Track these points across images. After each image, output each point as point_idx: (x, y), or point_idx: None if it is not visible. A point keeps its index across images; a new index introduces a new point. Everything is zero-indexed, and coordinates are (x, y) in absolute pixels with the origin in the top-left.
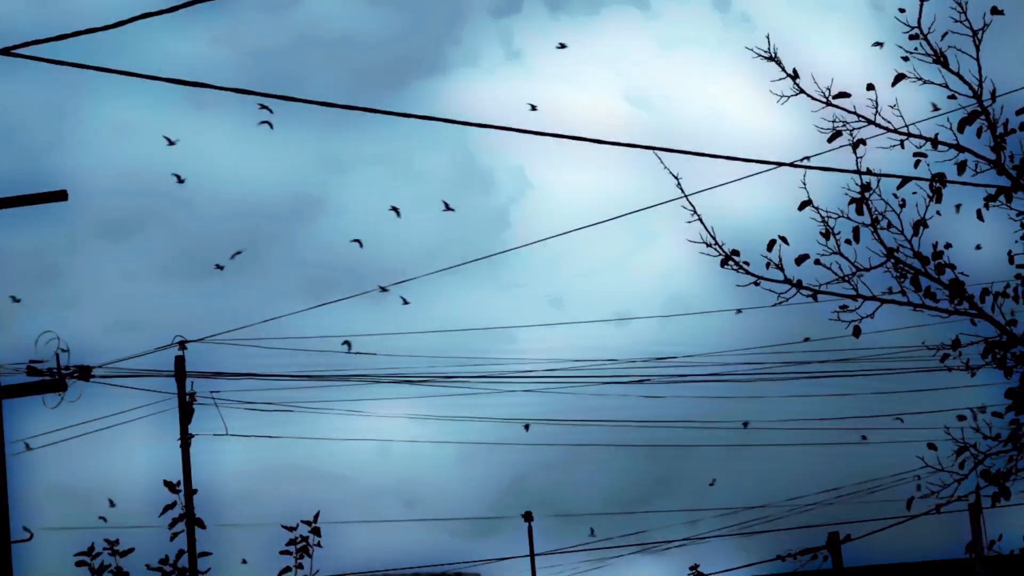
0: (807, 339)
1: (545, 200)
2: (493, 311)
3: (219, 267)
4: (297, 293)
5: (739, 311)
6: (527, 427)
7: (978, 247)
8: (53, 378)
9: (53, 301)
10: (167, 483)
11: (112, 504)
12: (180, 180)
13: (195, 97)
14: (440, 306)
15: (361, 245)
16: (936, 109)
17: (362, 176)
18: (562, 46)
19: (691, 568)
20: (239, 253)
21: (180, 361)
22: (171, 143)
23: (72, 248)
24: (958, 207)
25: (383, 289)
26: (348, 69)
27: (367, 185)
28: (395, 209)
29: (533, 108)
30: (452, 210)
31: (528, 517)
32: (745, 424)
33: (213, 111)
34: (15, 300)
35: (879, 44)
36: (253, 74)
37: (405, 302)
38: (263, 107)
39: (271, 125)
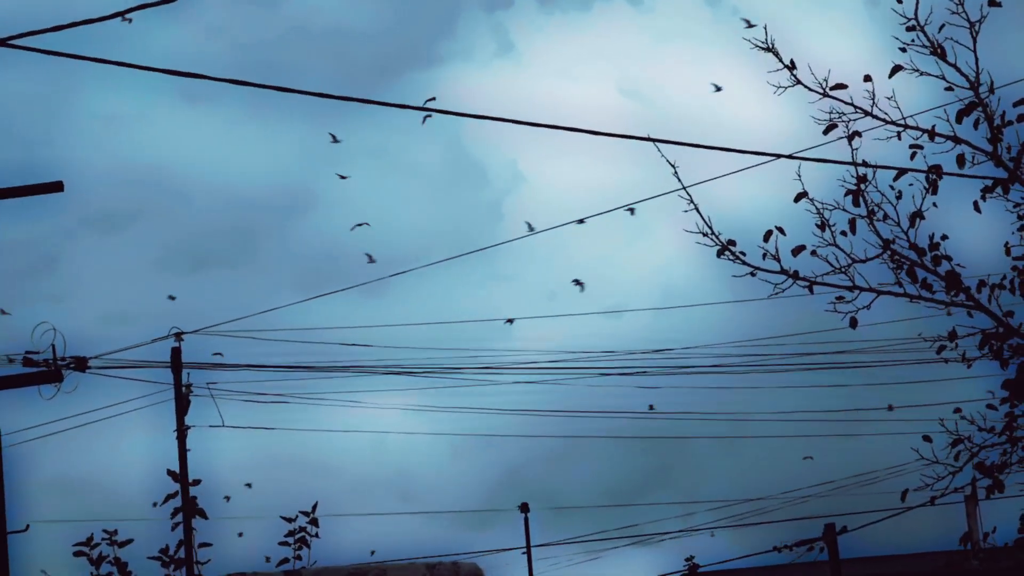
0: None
1: (538, 193)
2: (488, 303)
3: (371, 258)
4: (291, 285)
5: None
6: (651, 407)
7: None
8: (49, 369)
9: (48, 293)
10: (171, 472)
11: (228, 499)
12: (343, 177)
13: (187, 90)
14: (435, 298)
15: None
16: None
17: (355, 169)
18: (718, 89)
19: (686, 560)
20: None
21: (176, 352)
22: (335, 140)
23: (67, 240)
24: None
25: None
26: (340, 62)
27: (360, 178)
28: (579, 283)
29: (718, 89)
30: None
31: (524, 508)
32: (890, 407)
33: (205, 104)
34: (171, 298)
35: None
36: (245, 66)
37: (579, 284)
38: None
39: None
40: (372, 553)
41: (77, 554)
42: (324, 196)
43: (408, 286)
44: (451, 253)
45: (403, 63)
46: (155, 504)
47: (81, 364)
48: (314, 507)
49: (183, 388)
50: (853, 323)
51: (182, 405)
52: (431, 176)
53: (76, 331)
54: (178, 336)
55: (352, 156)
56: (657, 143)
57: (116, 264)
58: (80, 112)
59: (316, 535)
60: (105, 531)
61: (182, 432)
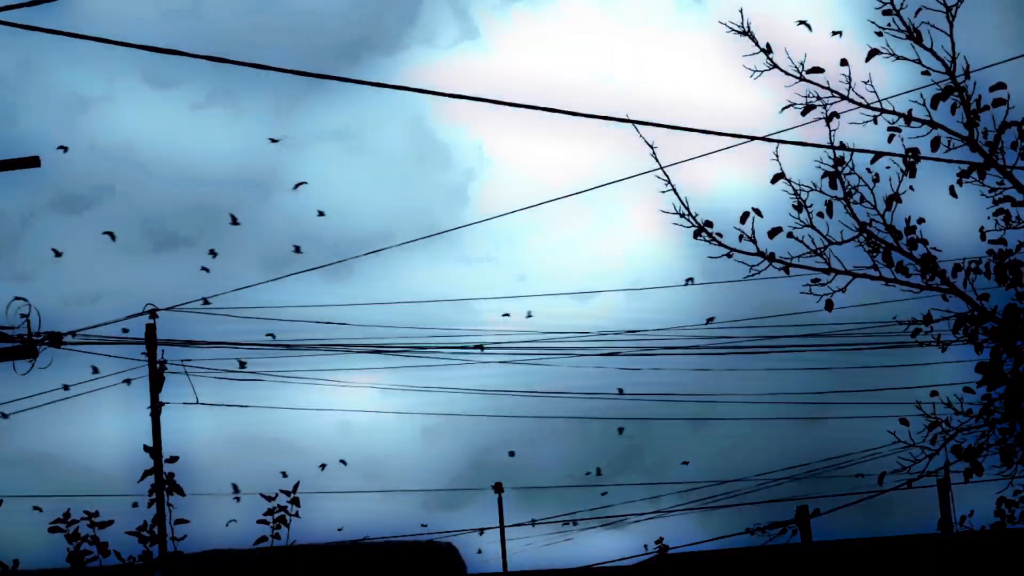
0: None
1: (504, 175)
2: (457, 286)
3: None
4: (258, 265)
5: (689, 280)
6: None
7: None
8: (24, 344)
9: (15, 270)
10: (147, 448)
11: (343, 462)
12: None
13: (150, 72)
14: (402, 280)
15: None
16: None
17: (320, 150)
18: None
19: (656, 542)
20: None
21: (151, 329)
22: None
23: (34, 217)
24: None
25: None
26: (304, 45)
27: (325, 159)
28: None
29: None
30: None
31: (498, 488)
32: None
33: (168, 86)
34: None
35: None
36: (208, 48)
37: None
38: None
39: None
40: (362, 538)
41: (52, 530)
42: (288, 178)
43: (375, 268)
44: (416, 235)
45: (366, 48)
46: (139, 480)
47: (55, 340)
48: (295, 487)
49: (157, 365)
50: (829, 305)
51: (157, 382)
52: (396, 158)
53: (44, 308)
54: (152, 313)
55: (316, 138)
56: (636, 124)
57: (83, 242)
58: (42, 90)
59: (296, 514)
60: (86, 512)
61: (156, 409)
